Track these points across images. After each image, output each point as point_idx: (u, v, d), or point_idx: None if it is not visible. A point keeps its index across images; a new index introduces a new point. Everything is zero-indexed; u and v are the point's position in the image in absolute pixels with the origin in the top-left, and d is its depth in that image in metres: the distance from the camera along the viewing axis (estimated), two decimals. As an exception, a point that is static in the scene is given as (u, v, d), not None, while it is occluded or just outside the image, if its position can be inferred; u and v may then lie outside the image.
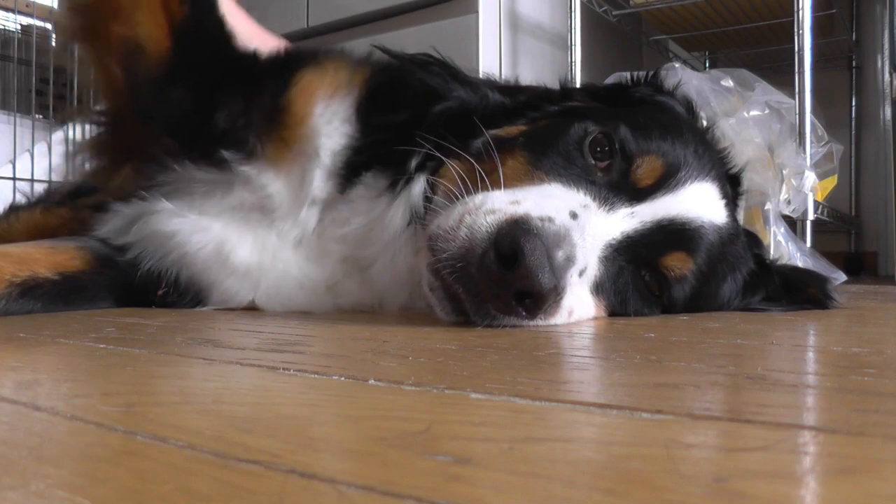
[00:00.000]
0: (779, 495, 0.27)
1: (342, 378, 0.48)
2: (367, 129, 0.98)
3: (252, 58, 1.03)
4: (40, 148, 2.30)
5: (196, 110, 1.00)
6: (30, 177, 2.17)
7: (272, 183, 0.99)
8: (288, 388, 0.47)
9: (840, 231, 3.03)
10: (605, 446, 0.33)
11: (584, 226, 0.79)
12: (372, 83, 1.01)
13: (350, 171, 0.97)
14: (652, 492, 0.27)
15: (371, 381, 0.47)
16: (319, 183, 0.98)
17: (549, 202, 0.78)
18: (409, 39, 2.35)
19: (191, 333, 0.74)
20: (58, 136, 2.34)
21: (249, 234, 1.00)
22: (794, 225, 1.88)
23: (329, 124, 0.98)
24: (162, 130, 1.02)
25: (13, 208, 1.45)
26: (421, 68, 1.02)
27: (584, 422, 0.38)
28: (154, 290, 1.03)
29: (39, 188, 1.82)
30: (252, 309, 1.02)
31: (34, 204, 1.44)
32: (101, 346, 0.64)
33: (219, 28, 1.04)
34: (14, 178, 2.12)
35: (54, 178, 2.18)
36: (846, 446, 0.33)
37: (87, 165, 1.13)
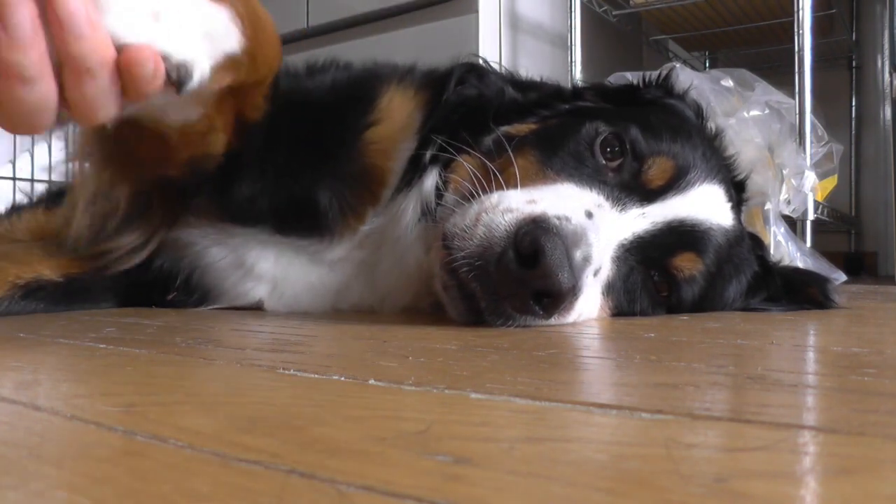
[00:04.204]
0: (779, 495, 0.27)
1: (342, 378, 0.48)
2: (422, 146, 0.96)
3: (318, 104, 0.96)
4: (40, 148, 2.29)
5: (263, 190, 0.93)
6: (30, 177, 2.16)
7: (334, 251, 0.96)
8: (288, 388, 0.47)
9: (840, 231, 3.02)
10: (604, 446, 0.33)
11: (599, 226, 0.79)
12: (430, 104, 0.99)
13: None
14: (652, 492, 0.27)
15: (371, 381, 0.47)
16: (374, 217, 0.95)
17: (565, 202, 0.78)
18: (409, 39, 2.35)
19: (191, 333, 0.74)
20: (58, 136, 2.34)
21: (272, 249, 0.98)
22: (794, 225, 1.88)
23: (401, 168, 0.95)
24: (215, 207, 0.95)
25: (15, 208, 1.45)
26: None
27: (584, 422, 0.38)
28: (162, 288, 1.02)
29: (40, 188, 1.82)
30: (253, 309, 1.02)
31: (36, 204, 1.43)
32: (101, 346, 0.64)
33: (301, 97, 0.96)
34: (14, 178, 2.12)
35: (54, 178, 2.17)
36: (846, 446, 0.33)
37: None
